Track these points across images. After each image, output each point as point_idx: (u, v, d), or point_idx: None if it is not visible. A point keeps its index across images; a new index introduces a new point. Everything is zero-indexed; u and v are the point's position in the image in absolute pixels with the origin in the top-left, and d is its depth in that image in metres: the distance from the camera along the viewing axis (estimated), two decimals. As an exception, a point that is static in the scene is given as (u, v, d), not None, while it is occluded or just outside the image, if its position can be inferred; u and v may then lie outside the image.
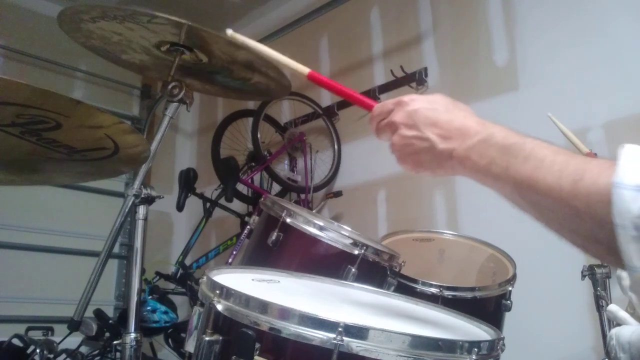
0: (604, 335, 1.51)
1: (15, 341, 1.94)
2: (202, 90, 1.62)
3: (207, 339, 0.71)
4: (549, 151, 0.63)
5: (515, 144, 0.66)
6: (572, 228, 0.59)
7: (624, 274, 0.85)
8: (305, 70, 0.92)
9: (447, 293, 1.40)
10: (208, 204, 2.95)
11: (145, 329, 2.47)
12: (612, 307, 0.90)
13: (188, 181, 2.85)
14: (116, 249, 3.53)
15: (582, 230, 0.58)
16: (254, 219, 1.43)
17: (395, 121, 0.76)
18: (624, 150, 0.55)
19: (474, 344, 0.69)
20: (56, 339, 2.02)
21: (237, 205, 2.99)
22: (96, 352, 2.31)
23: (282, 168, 3.18)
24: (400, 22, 2.92)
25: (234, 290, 0.72)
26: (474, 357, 0.67)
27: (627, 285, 0.84)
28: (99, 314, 2.20)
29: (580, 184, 0.56)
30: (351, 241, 1.24)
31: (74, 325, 1.30)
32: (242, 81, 1.52)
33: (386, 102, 0.80)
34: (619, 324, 0.86)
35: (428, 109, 0.74)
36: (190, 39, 1.32)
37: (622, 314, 0.87)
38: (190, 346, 0.77)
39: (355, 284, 1.13)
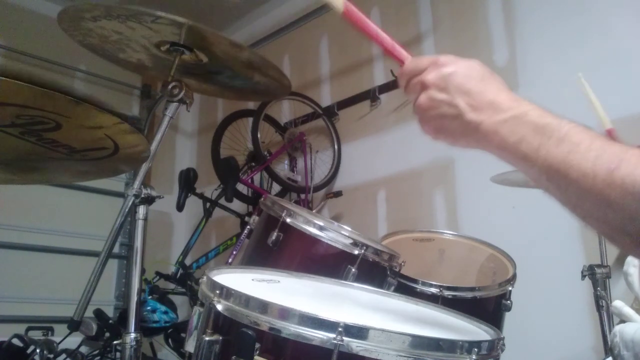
0: (604, 335, 1.51)
1: (15, 341, 1.94)
2: (202, 90, 1.62)
3: (207, 339, 0.71)
4: (585, 135, 0.60)
5: (550, 124, 0.63)
6: (601, 217, 0.57)
7: (630, 270, 0.85)
8: (340, 5, 0.89)
9: (447, 293, 1.40)
10: (208, 204, 2.95)
11: (145, 329, 2.47)
12: (617, 303, 0.90)
13: (188, 181, 2.85)
14: (116, 249, 3.53)
15: (611, 220, 0.56)
16: (254, 219, 1.43)
17: (426, 80, 0.72)
18: None
19: (474, 344, 0.69)
20: (56, 339, 2.03)
21: (237, 205, 2.99)
22: (96, 352, 2.31)
23: (282, 168, 3.18)
24: (400, 22, 2.92)
25: (234, 290, 0.72)
26: (474, 357, 0.67)
27: (633, 282, 0.83)
28: (99, 314, 2.20)
29: (615, 173, 0.54)
30: (351, 241, 1.24)
31: (74, 325, 1.30)
32: (242, 81, 1.52)
33: (421, 58, 0.76)
34: (623, 321, 0.86)
35: (463, 75, 0.71)
36: (190, 38, 1.32)
37: (627, 310, 0.87)
38: (190, 346, 0.77)
39: (355, 284, 1.13)
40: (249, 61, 1.40)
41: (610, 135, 0.85)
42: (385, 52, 0.82)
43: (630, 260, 0.89)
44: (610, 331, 1.50)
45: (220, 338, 0.71)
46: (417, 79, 0.74)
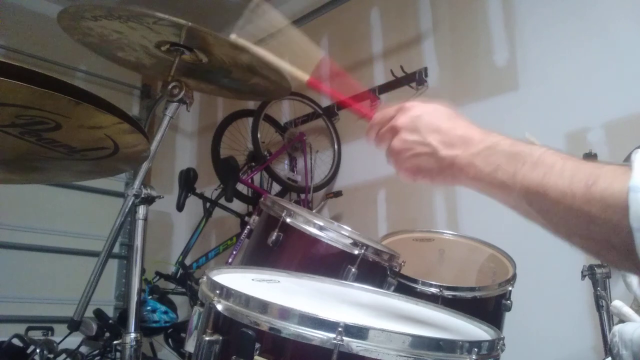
0: (604, 335, 1.51)
1: (15, 341, 1.94)
2: (201, 89, 1.62)
3: (207, 339, 0.71)
4: (557, 157, 0.62)
5: (523, 151, 0.65)
6: (585, 234, 0.58)
7: None
8: (304, 77, 0.92)
9: (447, 293, 1.40)
10: (208, 204, 2.95)
11: (145, 329, 2.47)
12: (617, 303, 0.90)
13: (188, 181, 2.85)
14: (116, 249, 3.53)
15: (596, 236, 0.57)
16: (254, 219, 1.43)
17: (397, 125, 0.76)
18: (638, 155, 0.55)
19: (474, 344, 0.69)
20: (56, 339, 2.03)
21: (237, 205, 2.99)
22: (96, 352, 2.31)
23: (282, 168, 3.18)
24: (400, 22, 2.92)
25: (234, 290, 0.72)
26: (474, 357, 0.67)
27: (632, 282, 0.83)
28: (99, 314, 2.20)
29: (593, 188, 0.55)
30: (351, 241, 1.24)
31: (74, 325, 1.30)
32: (242, 82, 1.53)
33: (387, 109, 0.79)
34: (622, 321, 0.87)
35: (431, 114, 0.74)
36: (190, 39, 1.33)
37: (627, 310, 0.87)
38: (190, 346, 0.77)
39: (355, 284, 1.13)
40: (249, 63, 1.40)
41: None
42: (353, 111, 0.88)
43: None
44: (610, 331, 1.50)
45: (220, 338, 0.71)
46: (387, 126, 0.78)
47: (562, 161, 0.61)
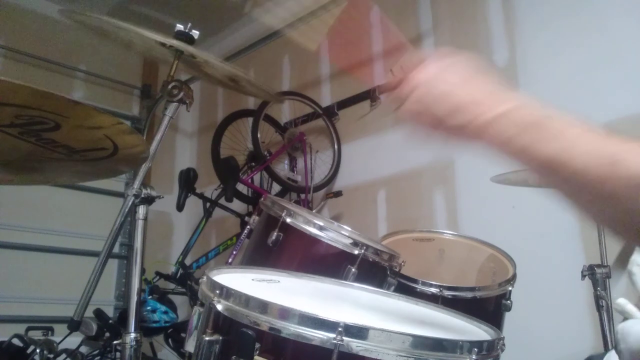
0: (604, 335, 1.51)
1: (15, 341, 1.94)
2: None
3: (207, 339, 0.71)
4: (580, 129, 0.59)
5: (541, 120, 0.62)
6: (603, 208, 0.57)
7: (634, 269, 0.85)
8: (313, 45, 0.88)
9: (447, 293, 1.40)
10: (208, 204, 2.95)
11: (145, 329, 2.47)
12: (621, 301, 0.90)
13: (188, 181, 2.85)
14: (116, 249, 3.53)
15: (613, 211, 0.56)
16: (254, 219, 1.43)
17: (420, 78, 0.72)
18: None
19: (474, 344, 0.69)
20: (56, 339, 2.03)
21: (237, 205, 2.99)
22: (96, 352, 2.31)
23: (282, 168, 3.18)
24: (400, 22, 2.91)
25: (234, 290, 0.72)
26: (474, 357, 0.67)
27: (637, 280, 0.83)
28: (99, 314, 2.20)
29: (617, 165, 0.54)
30: (351, 241, 1.24)
31: (74, 325, 1.30)
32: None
33: (415, 55, 0.75)
34: (626, 318, 0.87)
35: (457, 70, 0.70)
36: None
37: (630, 307, 0.87)
38: (190, 346, 0.77)
39: (355, 284, 1.13)
40: (236, 78, 1.40)
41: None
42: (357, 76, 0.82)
43: (634, 259, 0.89)
44: (609, 331, 1.50)
45: (220, 338, 0.71)
46: (411, 76, 0.74)
47: (585, 133, 0.59)
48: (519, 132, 0.62)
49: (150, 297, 2.63)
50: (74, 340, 2.13)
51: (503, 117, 0.64)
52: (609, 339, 1.52)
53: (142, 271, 1.28)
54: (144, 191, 1.27)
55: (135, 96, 3.98)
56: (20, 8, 3.43)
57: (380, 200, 2.78)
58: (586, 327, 1.91)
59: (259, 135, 2.89)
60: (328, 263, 1.24)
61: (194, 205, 3.10)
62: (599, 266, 1.56)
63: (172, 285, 2.89)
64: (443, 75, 0.70)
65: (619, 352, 0.79)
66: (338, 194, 2.89)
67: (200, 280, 0.82)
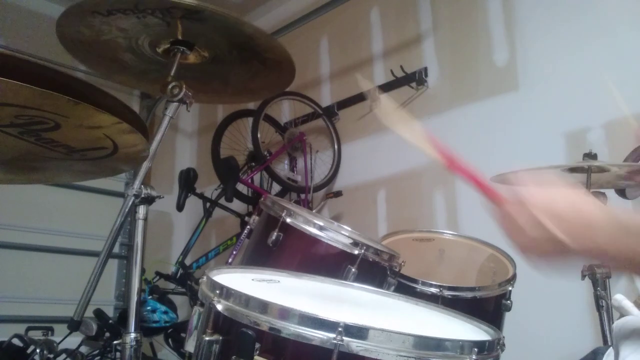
0: (604, 335, 1.51)
1: (15, 341, 1.94)
2: (200, 98, 1.62)
3: (207, 339, 0.71)
4: None
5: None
6: None
7: (624, 303, 0.87)
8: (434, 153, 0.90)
9: (447, 293, 1.40)
10: (208, 204, 2.95)
11: (145, 329, 2.47)
12: (618, 297, 0.91)
13: (188, 181, 2.85)
14: (116, 249, 3.53)
15: None
16: (254, 219, 1.43)
17: (519, 223, 0.74)
18: None
19: (474, 344, 0.69)
20: (56, 339, 2.02)
21: (237, 205, 2.99)
22: (96, 352, 2.31)
23: (282, 168, 3.18)
24: (400, 22, 2.91)
25: (234, 290, 0.72)
26: (474, 357, 0.67)
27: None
28: (99, 314, 2.20)
29: None
30: (351, 241, 1.24)
31: (74, 325, 1.30)
32: (242, 78, 1.52)
33: (504, 193, 0.78)
34: (622, 315, 0.87)
35: (550, 203, 0.72)
36: (189, 29, 1.31)
37: (626, 302, 0.88)
38: (190, 346, 0.77)
39: (355, 284, 1.13)
40: (247, 39, 1.38)
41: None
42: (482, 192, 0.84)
43: (616, 297, 0.91)
44: (610, 331, 1.50)
45: (220, 338, 0.71)
46: (511, 224, 0.76)
47: None
48: (624, 238, 0.66)
49: (150, 297, 2.63)
50: (74, 340, 2.13)
51: (618, 231, 0.67)
52: (609, 339, 1.51)
53: (142, 271, 1.28)
54: (144, 191, 1.26)
55: (135, 96, 3.98)
56: (20, 8, 3.43)
57: (380, 200, 2.78)
58: (586, 327, 1.91)
59: (259, 135, 2.89)
60: (328, 263, 1.24)
61: (194, 205, 3.10)
62: (598, 266, 1.56)
63: (172, 285, 2.89)
64: (546, 203, 0.72)
65: (614, 347, 0.80)
66: (338, 194, 2.89)
67: (200, 280, 0.82)
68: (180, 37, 1.35)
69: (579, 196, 0.72)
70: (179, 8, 1.22)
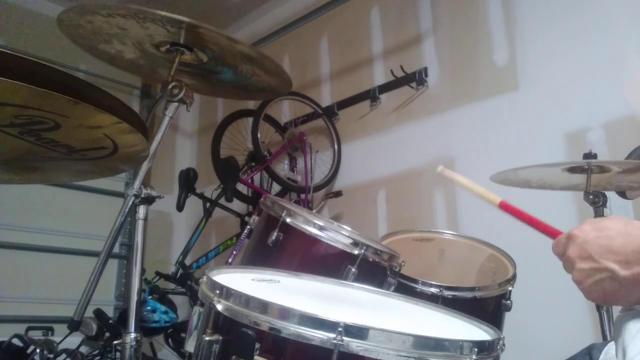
0: (604, 335, 1.51)
1: (15, 341, 1.94)
2: (201, 90, 1.62)
3: (207, 338, 0.71)
4: None
5: None
6: None
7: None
8: (496, 199, 0.93)
9: (447, 293, 1.40)
10: (208, 204, 2.95)
11: (145, 329, 2.47)
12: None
13: (188, 181, 2.85)
14: (116, 249, 3.53)
15: None
16: (254, 219, 1.43)
17: (570, 257, 0.74)
18: None
19: (474, 344, 0.69)
20: (56, 339, 2.03)
21: (237, 205, 2.99)
22: (96, 352, 2.31)
23: (282, 168, 3.18)
24: (400, 22, 2.91)
25: (234, 290, 0.72)
26: (474, 357, 0.67)
27: None
28: (99, 314, 2.20)
29: None
30: (351, 241, 1.24)
31: (74, 325, 1.30)
32: (242, 79, 1.52)
33: (559, 237, 0.79)
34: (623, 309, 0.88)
35: (599, 237, 0.72)
36: (190, 37, 1.33)
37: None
38: (190, 346, 0.77)
39: (355, 284, 1.13)
40: (248, 56, 1.40)
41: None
42: (539, 230, 0.87)
43: (607, 349, 0.91)
44: (610, 331, 1.50)
45: (220, 338, 0.71)
46: (564, 257, 0.77)
47: None
48: None
49: (150, 297, 2.63)
50: (74, 340, 2.14)
51: None
52: (609, 339, 1.51)
53: (142, 271, 1.28)
54: (144, 191, 1.26)
55: (135, 96, 3.98)
56: (20, 8, 3.44)
57: (380, 200, 2.78)
58: (586, 327, 1.90)
59: (259, 135, 2.89)
60: (328, 263, 1.24)
61: (194, 205, 3.10)
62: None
63: (172, 285, 2.89)
64: (596, 237, 0.72)
65: (615, 342, 0.80)
66: (338, 194, 2.89)
67: (200, 280, 0.82)
68: (181, 42, 1.35)
69: (630, 224, 0.72)
70: (176, 21, 1.23)
